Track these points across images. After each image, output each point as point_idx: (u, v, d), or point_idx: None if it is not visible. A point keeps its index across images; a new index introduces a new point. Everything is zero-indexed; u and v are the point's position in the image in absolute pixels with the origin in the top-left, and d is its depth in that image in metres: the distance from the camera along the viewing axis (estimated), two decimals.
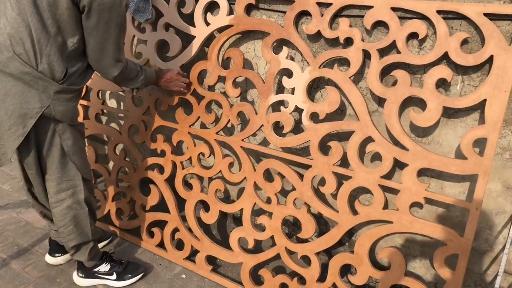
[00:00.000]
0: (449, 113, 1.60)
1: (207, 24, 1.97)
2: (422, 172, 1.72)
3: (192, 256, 2.14)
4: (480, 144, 1.48)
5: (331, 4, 1.66)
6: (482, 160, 1.42)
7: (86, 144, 2.29)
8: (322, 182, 1.77)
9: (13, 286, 1.97)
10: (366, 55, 1.64)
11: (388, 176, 1.65)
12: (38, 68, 1.54)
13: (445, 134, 1.63)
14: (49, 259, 2.13)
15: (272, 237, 1.92)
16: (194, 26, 2.00)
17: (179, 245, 2.17)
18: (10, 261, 2.14)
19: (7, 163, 1.68)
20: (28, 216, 2.54)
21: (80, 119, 2.37)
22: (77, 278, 2.00)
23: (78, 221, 1.86)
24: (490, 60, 1.40)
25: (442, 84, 1.58)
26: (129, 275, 2.02)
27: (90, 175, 1.89)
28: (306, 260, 1.87)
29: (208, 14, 1.96)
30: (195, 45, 2.02)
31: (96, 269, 1.99)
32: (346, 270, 1.94)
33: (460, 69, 1.53)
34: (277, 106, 1.91)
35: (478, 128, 1.42)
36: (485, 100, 1.40)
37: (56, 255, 2.13)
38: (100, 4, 1.49)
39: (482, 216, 1.65)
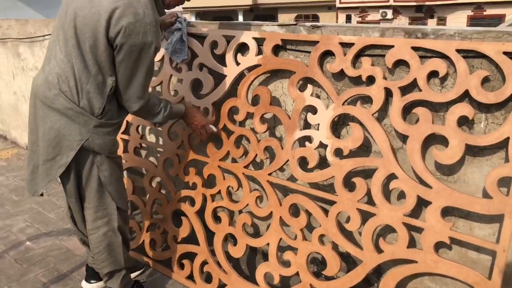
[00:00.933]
0: (474, 151, 1.57)
1: (237, 63, 2.08)
2: (449, 212, 1.68)
3: None
4: (507, 183, 1.44)
5: (353, 44, 1.71)
6: (508, 199, 1.38)
7: (125, 176, 2.42)
8: (349, 218, 1.77)
9: None
10: (389, 92, 1.66)
11: (413, 214, 1.63)
12: (80, 104, 1.69)
13: (470, 172, 1.60)
14: (85, 285, 2.23)
15: (298, 273, 1.91)
16: (226, 66, 2.11)
17: (208, 278, 2.21)
18: (49, 285, 2.27)
19: (39, 194, 1.84)
20: (69, 243, 2.69)
21: (119, 152, 2.51)
22: None
23: (112, 249, 1.95)
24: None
25: (466, 122, 1.57)
26: None
27: (125, 205, 1.99)
28: None
29: (239, 54, 2.07)
30: (227, 83, 2.13)
31: None
32: None
33: (483, 107, 1.51)
34: (303, 142, 1.95)
35: (502, 166, 1.40)
36: (508, 138, 1.38)
37: (92, 281, 2.22)
38: (130, 45, 1.62)
39: None
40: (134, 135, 2.55)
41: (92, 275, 2.23)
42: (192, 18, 22.96)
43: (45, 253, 2.58)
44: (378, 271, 1.98)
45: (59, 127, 1.72)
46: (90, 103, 1.70)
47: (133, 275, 2.32)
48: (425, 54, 1.57)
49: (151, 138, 2.88)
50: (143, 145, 2.67)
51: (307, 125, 2.02)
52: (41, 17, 6.28)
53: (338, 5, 26.85)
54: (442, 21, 24.66)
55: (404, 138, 1.76)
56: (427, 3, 25.24)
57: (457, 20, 24.31)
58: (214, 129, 2.14)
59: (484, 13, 24.78)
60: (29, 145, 1.83)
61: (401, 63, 1.65)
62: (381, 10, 25.82)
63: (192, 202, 2.28)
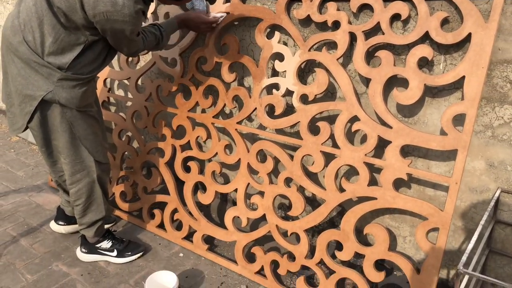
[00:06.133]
0: (433, 92, 1.64)
1: None
2: (409, 152, 1.76)
3: (190, 236, 2.21)
4: (463, 122, 1.51)
5: None
6: (461, 135, 1.45)
7: None
8: (314, 162, 1.82)
9: (21, 260, 2.08)
10: (353, 38, 1.69)
11: (375, 156, 1.69)
12: (44, 58, 1.63)
13: (430, 113, 1.67)
14: (53, 225, 2.28)
15: (265, 216, 1.98)
16: None
17: (179, 227, 2.25)
18: (19, 238, 2.26)
19: (18, 133, 1.82)
20: (39, 199, 2.67)
21: None
22: (80, 254, 2.10)
23: (93, 199, 1.98)
24: (469, 38, 1.44)
25: (426, 64, 1.62)
26: (129, 253, 2.11)
27: (105, 158, 1.97)
28: (298, 239, 1.92)
29: (206, 3, 2.05)
30: (193, 33, 2.11)
31: (98, 245, 2.09)
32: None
33: (442, 49, 1.57)
34: (271, 90, 1.98)
35: (457, 104, 1.46)
36: (464, 77, 1.44)
37: (60, 223, 2.27)
38: (110, 29, 1.59)
39: (467, 195, 1.68)
40: (101, 88, 2.52)
41: (61, 217, 2.27)
42: None
43: (14, 209, 2.56)
44: (342, 213, 2.07)
45: (23, 75, 1.67)
46: (56, 58, 1.64)
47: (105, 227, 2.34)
48: None
49: (120, 92, 2.84)
50: (111, 99, 2.64)
51: (274, 74, 2.04)
52: None
53: None
54: None
55: (367, 83, 1.81)
56: None
57: None
58: (218, 15, 2.00)
59: None
60: (3, 96, 1.80)
61: (365, 8, 1.68)
62: None
63: (162, 153, 2.29)
